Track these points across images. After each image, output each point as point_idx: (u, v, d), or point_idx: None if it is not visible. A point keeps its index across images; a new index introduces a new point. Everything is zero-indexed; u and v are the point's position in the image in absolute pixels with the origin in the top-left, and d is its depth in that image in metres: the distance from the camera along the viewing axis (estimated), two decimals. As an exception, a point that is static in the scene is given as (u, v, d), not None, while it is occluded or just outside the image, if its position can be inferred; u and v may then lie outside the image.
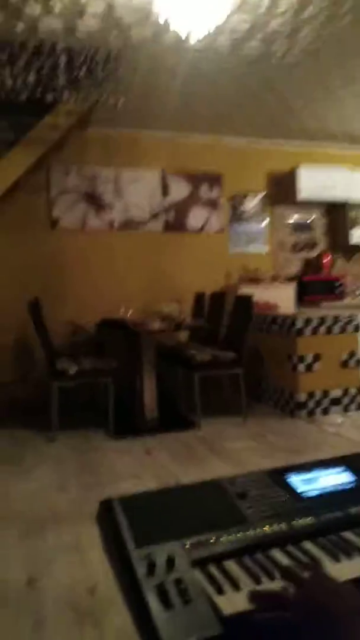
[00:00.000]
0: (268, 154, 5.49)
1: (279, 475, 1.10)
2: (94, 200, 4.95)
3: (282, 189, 5.53)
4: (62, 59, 3.63)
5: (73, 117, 4.26)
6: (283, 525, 0.93)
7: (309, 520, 0.95)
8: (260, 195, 5.50)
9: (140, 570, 0.80)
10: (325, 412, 4.00)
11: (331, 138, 5.44)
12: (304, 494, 1.03)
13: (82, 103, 4.03)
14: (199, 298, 4.90)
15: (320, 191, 5.34)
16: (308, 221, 5.70)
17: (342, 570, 0.80)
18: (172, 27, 2.87)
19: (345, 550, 0.86)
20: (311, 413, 3.96)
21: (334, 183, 5.37)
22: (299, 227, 5.66)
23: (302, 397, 3.94)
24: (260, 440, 3.45)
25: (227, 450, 3.24)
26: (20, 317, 4.34)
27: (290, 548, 0.89)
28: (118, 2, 2.93)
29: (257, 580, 0.80)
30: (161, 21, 2.88)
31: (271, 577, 0.79)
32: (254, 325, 4.44)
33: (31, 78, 3.69)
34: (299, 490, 1.05)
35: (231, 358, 3.90)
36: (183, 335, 5.04)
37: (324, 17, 3.06)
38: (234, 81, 3.96)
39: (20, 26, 3.20)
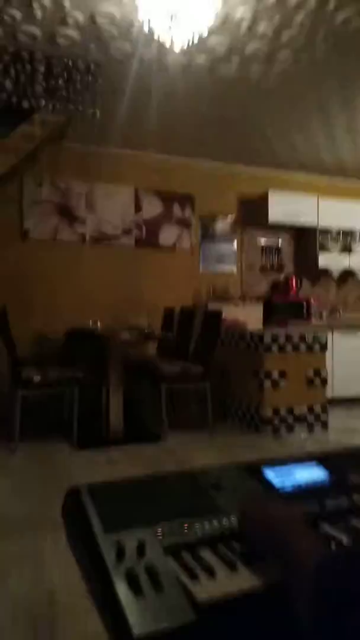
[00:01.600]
0: (240, 177, 5.63)
1: (254, 469, 1.08)
2: (67, 213, 4.92)
3: (252, 212, 5.66)
4: (41, 67, 3.63)
5: (48, 128, 4.24)
6: (258, 515, 0.91)
7: (285, 511, 0.93)
8: (230, 217, 5.60)
9: (109, 555, 0.76)
10: (290, 429, 4.01)
11: (301, 166, 5.62)
12: (280, 487, 1.01)
13: (59, 114, 4.03)
14: (169, 313, 4.89)
15: (290, 216, 5.49)
16: (277, 245, 5.82)
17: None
18: (155, 37, 2.91)
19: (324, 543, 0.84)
20: (276, 429, 3.97)
21: (302, 209, 5.54)
22: (268, 249, 5.78)
23: (267, 412, 3.95)
24: (225, 453, 3.42)
25: (192, 463, 3.19)
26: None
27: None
28: (100, 13, 2.96)
29: (233, 567, 0.77)
30: (145, 30, 2.92)
31: (249, 564, 0.76)
32: (222, 342, 4.46)
33: (8, 84, 3.67)
34: (274, 483, 1.02)
35: (199, 372, 3.88)
36: (151, 350, 5.00)
37: (301, 41, 3.18)
38: (211, 103, 4.06)
39: (-1, 30, 3.20)
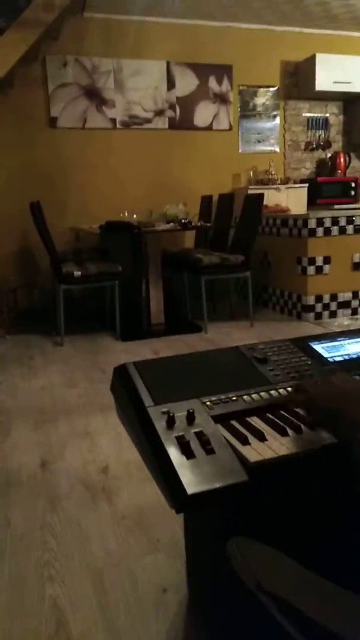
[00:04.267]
0: (283, 40, 4.98)
1: (302, 343, 1.05)
2: (95, 96, 4.57)
3: (296, 81, 5.09)
4: None
5: (68, -6, 3.80)
6: (308, 386, 0.89)
7: (336, 381, 0.91)
8: (273, 89, 5.07)
9: (159, 424, 0.77)
10: (333, 315, 3.95)
11: (355, 22, 4.88)
12: (329, 358, 0.98)
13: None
14: (206, 201, 4.69)
15: (340, 83, 4.90)
16: (324, 117, 5.29)
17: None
18: None
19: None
20: (318, 316, 3.93)
21: (355, 74, 4.92)
22: (314, 123, 5.27)
23: (309, 300, 3.88)
24: (266, 339, 3.44)
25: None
26: (22, 224, 4.19)
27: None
28: None
29: (283, 433, 0.76)
30: None
31: (298, 431, 0.75)
32: (262, 229, 4.29)
33: None
34: (324, 355, 1.00)
35: (239, 261, 3.79)
36: (189, 242, 4.90)
37: None
38: None
39: None
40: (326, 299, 3.92)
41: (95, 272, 3.63)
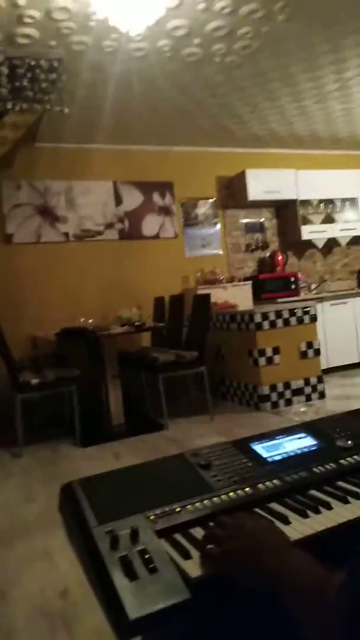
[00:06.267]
0: (216, 159, 5.60)
1: (242, 444, 1.10)
2: (48, 214, 4.89)
3: (232, 192, 5.65)
4: (4, 69, 3.58)
5: (20, 130, 4.19)
6: (249, 489, 0.93)
7: (275, 482, 0.95)
8: (211, 200, 5.59)
9: (103, 545, 0.78)
10: (289, 402, 4.06)
11: (276, 141, 5.60)
12: (268, 459, 1.04)
13: (28, 114, 3.99)
14: (159, 303, 4.91)
15: (270, 192, 5.48)
16: (259, 222, 5.82)
17: (313, 523, 0.81)
18: (111, 23, 2.89)
19: (312, 507, 0.86)
20: (275, 405, 4.02)
21: (281, 184, 5.53)
22: (251, 228, 5.78)
23: (265, 390, 4.00)
24: (228, 435, 3.46)
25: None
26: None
27: (257, 510, 0.88)
28: (55, 7, 2.92)
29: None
30: (100, 17, 2.89)
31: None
32: (214, 325, 4.49)
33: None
34: (264, 456, 1.05)
35: (194, 357, 3.91)
36: (145, 341, 5.03)
37: (260, 13, 3.14)
38: (177, 87, 4.02)
39: None
40: (280, 387, 4.05)
41: (53, 378, 3.63)
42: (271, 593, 0.62)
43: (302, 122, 5.10)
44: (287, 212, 5.79)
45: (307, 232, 5.66)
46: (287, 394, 4.07)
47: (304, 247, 5.98)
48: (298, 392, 4.11)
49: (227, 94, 4.26)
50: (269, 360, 4.01)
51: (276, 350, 4.03)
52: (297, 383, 4.10)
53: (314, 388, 4.17)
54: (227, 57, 3.63)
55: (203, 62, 3.66)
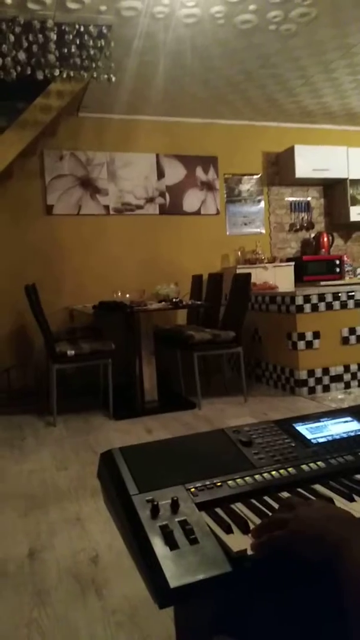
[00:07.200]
0: (264, 134, 5.43)
1: (286, 424, 1.07)
2: (89, 185, 4.89)
3: (278, 169, 5.48)
4: (52, 35, 3.54)
5: (65, 99, 4.18)
6: (292, 470, 0.90)
7: (319, 463, 0.92)
8: (256, 177, 5.44)
9: (143, 513, 0.77)
10: (327, 389, 3.97)
11: (328, 116, 5.37)
12: (313, 440, 1.00)
13: (74, 82, 3.96)
14: (197, 280, 4.86)
15: (318, 170, 5.28)
16: (306, 201, 5.64)
17: (358, 507, 0.77)
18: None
19: (358, 491, 0.83)
20: (312, 390, 3.93)
21: (331, 162, 5.32)
22: (296, 207, 5.61)
23: (302, 374, 3.91)
24: (261, 417, 3.42)
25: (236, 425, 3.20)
26: (18, 305, 4.30)
27: (300, 491, 0.85)
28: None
29: (267, 520, 0.76)
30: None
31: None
32: (251, 306, 4.42)
33: (21, 56, 3.61)
34: (308, 437, 1.01)
35: (230, 337, 3.86)
36: (181, 319, 5.01)
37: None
38: (228, 56, 3.88)
39: (8, 1, 3.13)
40: (318, 373, 3.95)
41: (88, 350, 3.67)
42: (331, 567, 0.60)
43: (357, 97, 4.86)
44: (336, 192, 5.58)
45: (356, 214, 5.44)
46: (325, 379, 3.97)
47: (351, 229, 5.77)
48: (337, 378, 4.00)
49: (280, 64, 4.08)
50: (309, 345, 3.91)
51: (316, 335, 3.93)
52: (336, 369, 3.99)
53: (354, 375, 4.05)
54: (282, 25, 3.47)
55: (257, 29, 3.51)
